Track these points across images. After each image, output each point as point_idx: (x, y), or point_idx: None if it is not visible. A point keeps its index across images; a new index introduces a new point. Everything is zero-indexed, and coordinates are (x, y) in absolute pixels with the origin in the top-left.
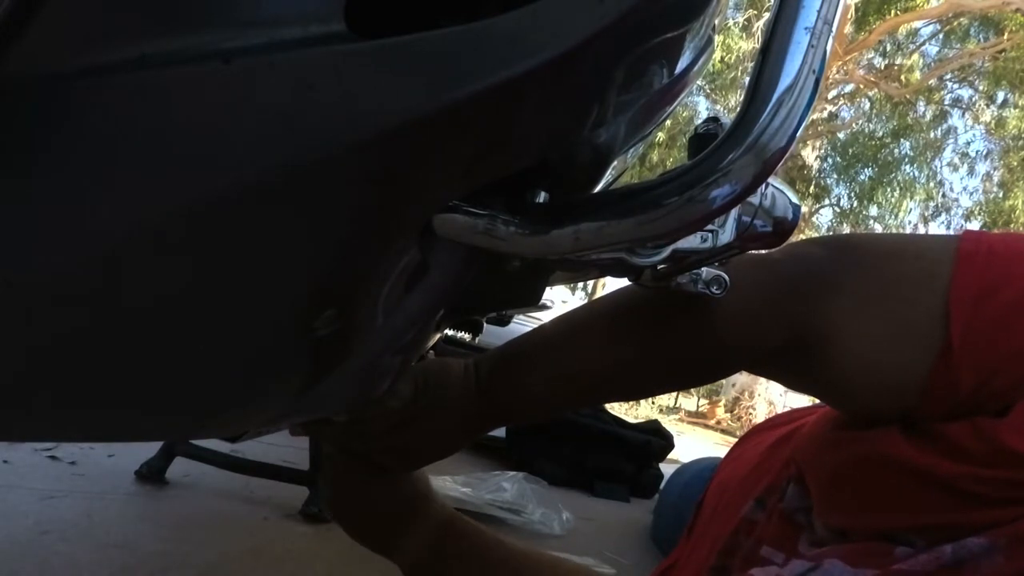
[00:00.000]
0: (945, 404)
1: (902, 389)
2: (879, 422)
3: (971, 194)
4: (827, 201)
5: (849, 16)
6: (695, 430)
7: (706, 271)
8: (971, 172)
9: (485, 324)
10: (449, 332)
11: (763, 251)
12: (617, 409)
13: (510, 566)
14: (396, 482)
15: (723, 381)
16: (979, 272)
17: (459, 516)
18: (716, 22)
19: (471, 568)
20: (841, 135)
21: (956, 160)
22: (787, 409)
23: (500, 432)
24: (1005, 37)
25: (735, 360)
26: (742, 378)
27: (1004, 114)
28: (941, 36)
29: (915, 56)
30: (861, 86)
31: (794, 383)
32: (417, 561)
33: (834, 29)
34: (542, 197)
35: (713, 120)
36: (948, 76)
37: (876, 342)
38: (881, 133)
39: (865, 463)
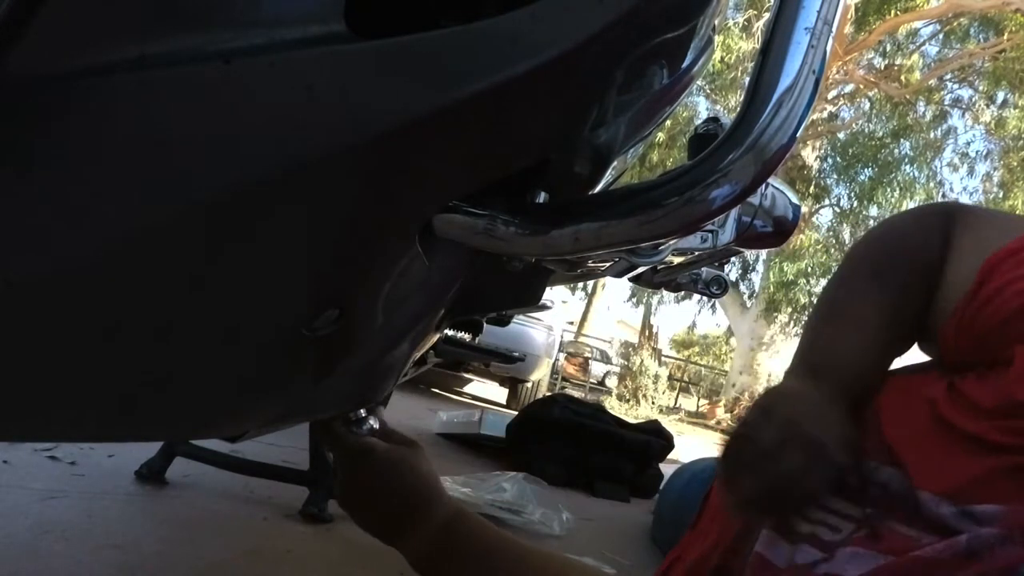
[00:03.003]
0: (964, 345)
1: (943, 328)
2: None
3: (971, 194)
4: (827, 201)
5: (849, 16)
6: (695, 430)
7: (706, 271)
8: (971, 172)
9: (485, 324)
10: (449, 332)
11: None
12: (617, 409)
13: (513, 564)
14: (398, 482)
15: (723, 381)
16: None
17: (466, 514)
18: (716, 22)
19: (474, 566)
20: (841, 135)
21: (956, 160)
22: None
23: (500, 432)
24: (1005, 37)
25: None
26: (742, 378)
27: (1004, 114)
28: (941, 36)
29: (915, 56)
30: (861, 86)
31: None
32: (421, 557)
33: (834, 29)
34: (542, 197)
35: (713, 120)
36: (948, 76)
37: (951, 286)
38: (881, 133)
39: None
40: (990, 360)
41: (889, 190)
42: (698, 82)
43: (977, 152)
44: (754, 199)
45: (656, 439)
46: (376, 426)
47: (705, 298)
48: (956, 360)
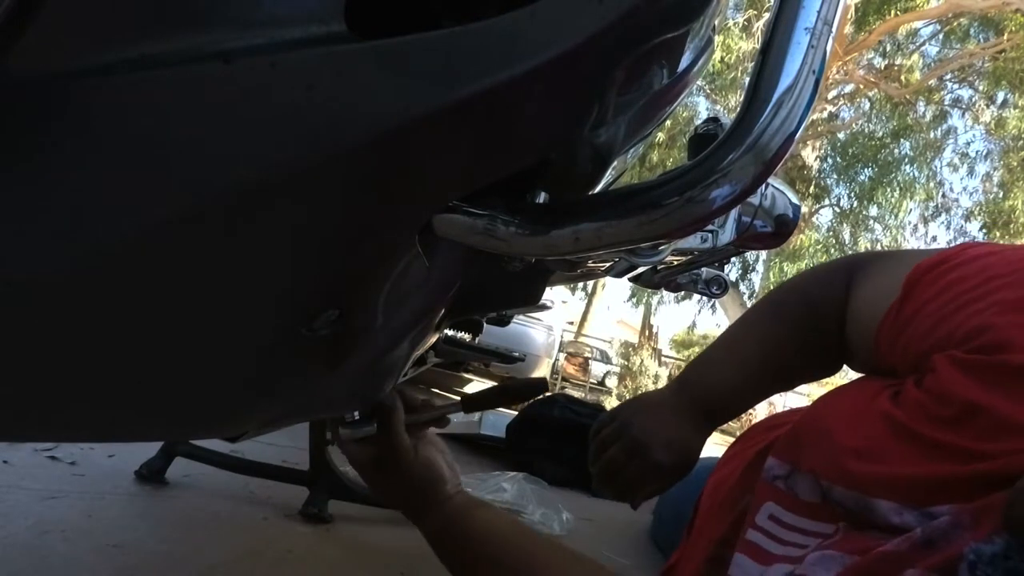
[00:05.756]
0: (893, 354)
1: (865, 342)
2: (886, 374)
3: (971, 194)
4: (827, 201)
5: (849, 16)
6: None
7: (706, 271)
8: (971, 172)
9: (485, 324)
10: (449, 332)
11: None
12: None
13: (519, 550)
14: (402, 484)
15: None
16: (949, 251)
17: (474, 506)
18: (716, 22)
19: (481, 551)
20: (841, 135)
21: (956, 160)
22: (787, 409)
23: (500, 432)
24: (1005, 37)
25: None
26: None
27: (1004, 114)
28: (941, 36)
29: (915, 56)
30: (861, 86)
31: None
32: (433, 537)
33: (834, 29)
34: (542, 197)
35: (713, 120)
36: (948, 76)
37: (864, 302)
38: (881, 133)
39: (866, 416)
40: (915, 368)
41: (889, 190)
42: (698, 82)
43: (977, 152)
44: (754, 199)
45: None
46: (374, 429)
47: (705, 298)
48: (886, 368)
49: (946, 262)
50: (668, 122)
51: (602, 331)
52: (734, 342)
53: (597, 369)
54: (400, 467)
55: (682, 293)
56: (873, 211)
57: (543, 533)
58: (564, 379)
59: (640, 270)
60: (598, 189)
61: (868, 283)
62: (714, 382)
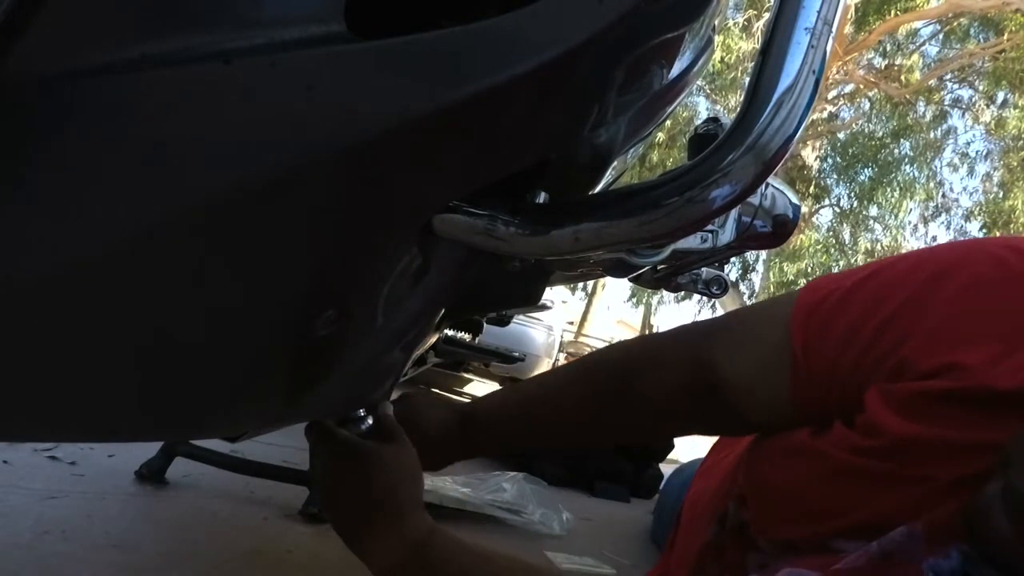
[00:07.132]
0: (815, 408)
1: (777, 405)
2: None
3: (971, 194)
4: (827, 201)
5: (849, 16)
6: None
7: (706, 271)
8: (971, 172)
9: (485, 324)
10: (449, 332)
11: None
12: None
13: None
14: (376, 479)
15: None
16: (808, 296)
17: (441, 534)
18: (716, 22)
19: (477, 565)
20: (841, 135)
21: (956, 160)
22: None
23: None
24: (1005, 37)
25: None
26: None
27: (1004, 114)
28: (941, 36)
29: (915, 56)
30: (861, 86)
31: (709, 424)
32: (387, 571)
33: (834, 29)
34: (542, 197)
35: (713, 120)
36: (948, 76)
37: (746, 370)
38: (881, 133)
39: (800, 473)
40: (848, 410)
41: (889, 190)
42: (698, 82)
43: (977, 152)
44: (754, 199)
45: None
46: (371, 425)
47: (705, 298)
48: (811, 417)
49: (824, 301)
50: (668, 122)
51: (602, 331)
52: (527, 385)
53: None
54: (378, 471)
55: (682, 293)
56: (873, 211)
57: (543, 533)
58: None
59: (640, 270)
60: (598, 189)
61: (737, 351)
62: (481, 413)
